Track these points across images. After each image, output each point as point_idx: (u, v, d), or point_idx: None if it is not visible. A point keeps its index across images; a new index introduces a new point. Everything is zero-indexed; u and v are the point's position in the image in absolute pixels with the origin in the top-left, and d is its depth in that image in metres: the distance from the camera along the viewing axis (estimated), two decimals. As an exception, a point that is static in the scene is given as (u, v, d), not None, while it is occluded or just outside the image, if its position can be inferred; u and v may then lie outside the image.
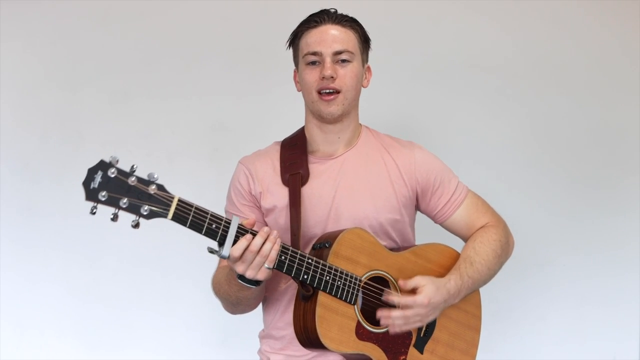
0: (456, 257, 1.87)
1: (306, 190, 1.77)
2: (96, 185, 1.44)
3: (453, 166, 2.00)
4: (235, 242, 1.53)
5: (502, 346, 2.73)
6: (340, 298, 1.65)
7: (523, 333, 2.84)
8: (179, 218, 1.50)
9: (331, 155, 1.83)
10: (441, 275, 1.79)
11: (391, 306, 1.69)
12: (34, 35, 2.77)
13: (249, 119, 2.78)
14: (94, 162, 2.70)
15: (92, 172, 1.44)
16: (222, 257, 1.52)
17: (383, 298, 1.69)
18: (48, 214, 2.76)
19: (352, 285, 1.67)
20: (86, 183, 1.44)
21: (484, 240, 1.87)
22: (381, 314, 1.66)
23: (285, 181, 1.79)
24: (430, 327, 1.79)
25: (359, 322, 1.69)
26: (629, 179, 2.87)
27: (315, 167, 1.81)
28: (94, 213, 1.38)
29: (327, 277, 1.63)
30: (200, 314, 2.72)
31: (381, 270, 1.73)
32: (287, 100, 2.82)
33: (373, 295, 1.73)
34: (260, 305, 1.93)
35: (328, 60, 1.75)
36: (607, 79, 2.88)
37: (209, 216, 1.51)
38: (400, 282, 1.71)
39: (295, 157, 1.82)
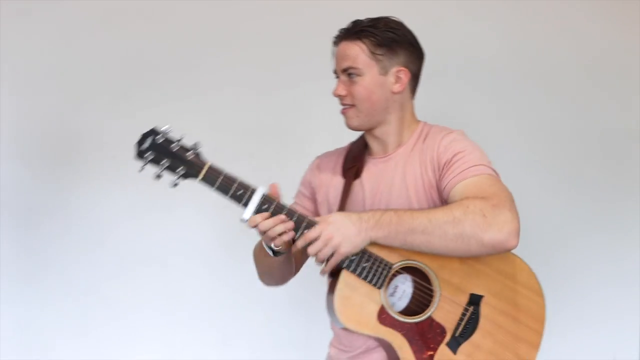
0: (511, 261, 1.75)
1: (356, 184, 1.84)
2: (145, 147, 1.64)
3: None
4: (258, 210, 1.66)
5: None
6: (365, 279, 1.63)
7: (523, 333, 2.84)
8: (208, 180, 1.69)
9: (383, 154, 1.86)
10: (497, 280, 1.70)
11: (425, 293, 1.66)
12: (34, 35, 2.77)
13: (249, 119, 2.78)
14: (94, 162, 2.75)
15: (144, 136, 1.65)
16: (242, 222, 1.68)
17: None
18: (48, 214, 2.76)
19: (381, 269, 1.64)
20: (138, 144, 1.65)
21: (452, 204, 1.65)
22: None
23: (342, 173, 1.88)
24: (470, 328, 1.68)
25: (382, 307, 1.65)
26: (629, 180, 2.87)
27: (370, 164, 1.86)
28: (141, 171, 1.64)
29: (353, 257, 1.63)
30: (201, 314, 2.73)
31: (418, 262, 1.67)
32: (287, 100, 2.84)
33: (420, 288, 1.69)
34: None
35: (340, 79, 1.81)
36: (609, 78, 2.89)
37: (236, 183, 1.67)
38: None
39: (357, 153, 1.90)
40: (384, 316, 1.65)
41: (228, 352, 2.72)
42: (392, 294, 1.68)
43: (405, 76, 1.80)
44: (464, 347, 1.68)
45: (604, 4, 2.87)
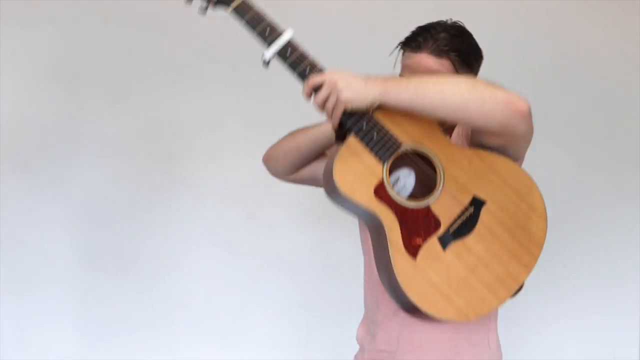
0: (522, 178, 1.67)
1: None
2: None
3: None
4: (280, 52, 1.61)
5: (502, 346, 2.73)
6: (371, 150, 1.56)
7: (523, 333, 2.84)
8: (239, 12, 1.63)
9: None
10: (504, 192, 1.63)
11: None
12: (34, 35, 2.76)
13: (249, 119, 2.78)
14: (93, 162, 2.74)
15: None
16: (263, 63, 1.63)
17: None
18: (48, 214, 2.76)
19: (389, 144, 1.57)
20: None
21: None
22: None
23: None
24: (465, 229, 1.59)
25: (382, 182, 1.57)
26: (630, 179, 2.87)
27: None
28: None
29: (363, 123, 1.57)
30: (201, 314, 2.73)
31: (429, 149, 1.60)
32: (287, 100, 2.83)
33: (423, 181, 1.63)
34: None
35: None
36: (608, 78, 2.89)
37: (266, 22, 1.62)
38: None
39: None
40: (381, 191, 1.57)
41: (228, 352, 2.72)
42: (393, 184, 1.61)
43: None
44: (455, 246, 1.59)
45: (604, 4, 2.88)
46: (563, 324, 2.84)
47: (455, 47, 1.72)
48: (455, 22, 1.79)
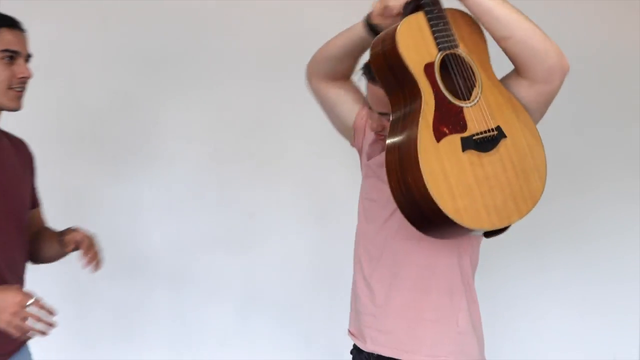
0: (540, 149, 1.74)
1: None
2: None
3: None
4: None
5: (502, 346, 2.74)
6: (434, 34, 1.66)
7: (523, 333, 2.84)
8: None
9: None
10: (521, 139, 1.71)
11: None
12: (33, 35, 2.76)
13: (249, 119, 2.78)
14: (93, 162, 2.74)
15: None
16: None
17: None
18: (48, 214, 2.76)
19: (450, 39, 1.67)
20: None
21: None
22: None
23: None
24: (484, 145, 1.69)
25: (433, 64, 1.65)
26: (629, 179, 2.87)
27: None
28: None
29: (435, 8, 1.66)
30: (201, 315, 2.73)
31: (476, 67, 1.70)
32: (288, 100, 2.83)
33: (456, 84, 1.70)
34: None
35: None
36: (607, 77, 2.89)
37: None
38: None
39: None
40: (429, 70, 1.65)
41: (228, 351, 2.72)
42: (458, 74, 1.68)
43: None
44: (472, 155, 1.67)
45: (604, 4, 2.88)
46: (563, 324, 2.84)
47: None
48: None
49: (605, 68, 2.89)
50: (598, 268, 2.86)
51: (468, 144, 1.66)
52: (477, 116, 1.67)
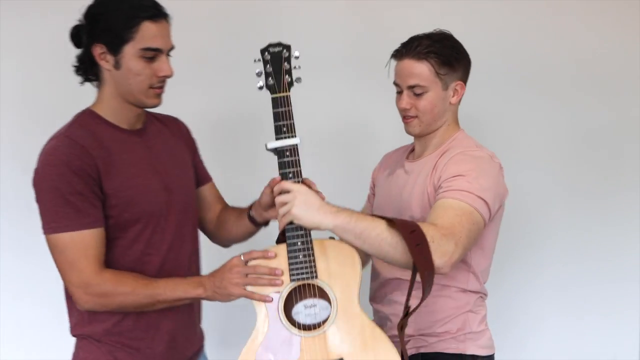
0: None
1: (384, 182, 2.14)
2: (269, 50, 1.82)
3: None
4: (281, 150, 1.80)
5: (502, 346, 2.74)
6: (290, 265, 1.76)
7: (523, 333, 2.84)
8: (276, 102, 1.81)
9: (414, 159, 2.08)
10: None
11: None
12: (34, 34, 2.77)
13: (249, 118, 2.78)
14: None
15: (278, 44, 1.83)
16: (266, 148, 1.80)
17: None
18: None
19: (306, 271, 1.77)
20: (270, 45, 1.84)
21: (412, 224, 1.75)
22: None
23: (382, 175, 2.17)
24: None
25: (278, 292, 1.75)
26: (629, 179, 2.88)
27: (405, 164, 2.09)
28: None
29: (298, 240, 1.77)
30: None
31: (334, 300, 1.79)
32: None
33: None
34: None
35: (404, 93, 1.98)
36: (607, 77, 2.89)
37: (288, 122, 1.79)
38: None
39: (397, 156, 2.16)
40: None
41: (228, 351, 2.71)
42: (308, 305, 1.77)
43: (461, 89, 2.00)
44: None
45: (604, 4, 2.88)
46: (563, 324, 2.84)
47: (434, 50, 1.93)
48: (441, 31, 1.99)
49: (605, 68, 2.89)
50: (598, 268, 2.86)
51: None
52: (314, 347, 1.74)
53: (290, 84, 1.83)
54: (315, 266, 1.75)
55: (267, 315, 1.74)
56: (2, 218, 2.74)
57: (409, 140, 2.15)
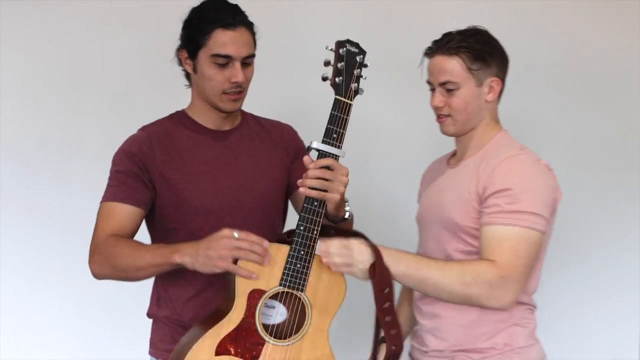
0: None
1: (426, 189, 2.09)
2: (343, 49, 1.75)
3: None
4: (324, 152, 1.75)
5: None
6: (284, 270, 1.73)
7: (523, 333, 2.84)
8: (337, 105, 1.75)
9: (455, 164, 1.99)
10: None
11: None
12: (34, 35, 2.77)
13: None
14: (93, 162, 2.74)
15: (351, 43, 1.77)
16: (308, 147, 1.76)
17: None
18: (48, 214, 2.76)
19: (297, 282, 1.76)
20: (342, 42, 1.76)
21: (467, 266, 1.77)
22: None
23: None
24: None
25: (264, 292, 1.73)
26: (630, 181, 2.87)
27: (447, 170, 2.02)
28: (328, 48, 1.75)
29: (302, 250, 1.74)
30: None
31: (309, 318, 1.79)
32: (290, 100, 2.83)
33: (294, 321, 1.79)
34: None
35: (438, 90, 1.90)
36: (607, 80, 2.89)
37: (341, 129, 1.75)
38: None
39: (438, 163, 2.10)
40: (255, 294, 1.72)
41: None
42: (269, 305, 1.76)
43: (497, 85, 1.90)
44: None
45: (604, 4, 2.88)
46: (563, 325, 2.84)
47: (466, 45, 1.85)
48: (474, 27, 1.91)
49: (606, 68, 2.89)
50: (598, 268, 2.86)
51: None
52: (275, 357, 1.73)
53: (357, 92, 1.78)
54: (307, 280, 1.74)
55: (244, 309, 1.70)
56: (2, 218, 2.74)
57: (441, 142, 2.09)
